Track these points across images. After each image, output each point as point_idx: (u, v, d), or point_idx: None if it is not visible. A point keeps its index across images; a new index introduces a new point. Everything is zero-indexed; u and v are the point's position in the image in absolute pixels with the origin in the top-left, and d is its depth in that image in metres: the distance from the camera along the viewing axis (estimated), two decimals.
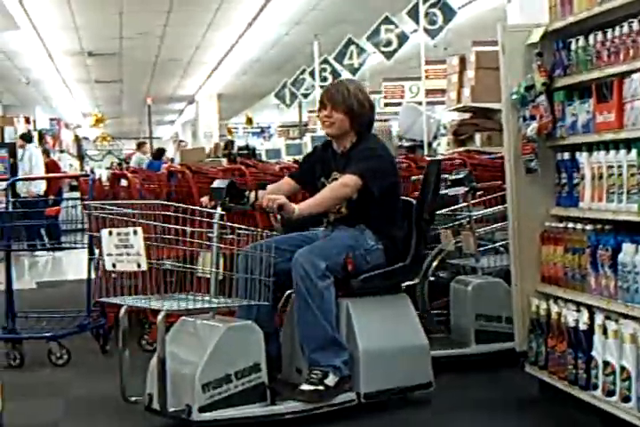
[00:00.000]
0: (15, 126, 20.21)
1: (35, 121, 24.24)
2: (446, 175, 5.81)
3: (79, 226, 6.27)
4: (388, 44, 12.41)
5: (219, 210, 4.47)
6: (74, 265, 10.57)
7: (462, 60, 9.79)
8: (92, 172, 18.37)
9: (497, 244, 5.91)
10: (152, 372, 4.40)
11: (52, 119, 28.06)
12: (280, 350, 4.85)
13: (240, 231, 4.52)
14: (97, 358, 6.18)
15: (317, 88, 16.14)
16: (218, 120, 26.83)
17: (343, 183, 4.70)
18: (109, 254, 4.37)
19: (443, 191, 5.57)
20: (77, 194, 9.21)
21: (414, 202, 5.03)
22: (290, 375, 4.80)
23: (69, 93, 25.59)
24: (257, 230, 4.56)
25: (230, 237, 4.47)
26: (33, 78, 21.27)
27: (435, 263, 5.97)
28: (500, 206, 5.78)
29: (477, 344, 5.55)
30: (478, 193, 5.95)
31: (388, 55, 12.63)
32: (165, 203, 4.72)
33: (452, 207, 5.97)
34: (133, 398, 4.49)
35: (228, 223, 4.47)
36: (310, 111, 22.43)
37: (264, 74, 21.02)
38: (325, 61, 15.74)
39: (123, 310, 4.49)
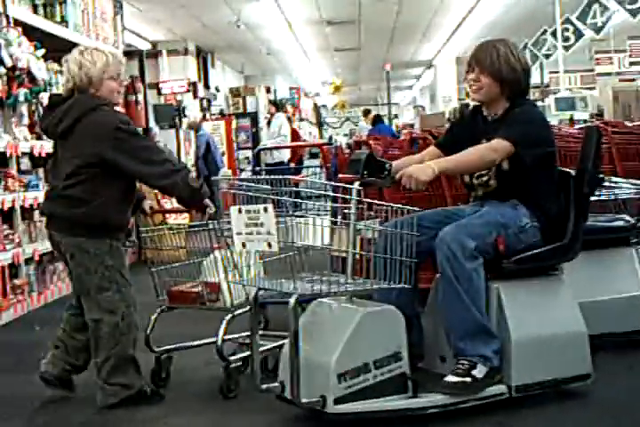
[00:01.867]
0: (257, 96, 20.82)
1: (275, 90, 24.85)
2: None
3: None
4: (634, 1, 11.92)
5: (356, 185, 4.12)
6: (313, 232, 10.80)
7: None
8: (332, 139, 18.62)
9: None
10: (284, 359, 4.10)
11: (291, 88, 28.67)
12: (422, 337, 4.40)
13: (379, 207, 4.08)
14: None
15: (560, 48, 15.70)
16: (456, 84, 26.60)
17: (491, 147, 4.19)
18: (239, 233, 4.06)
19: None
20: (317, 162, 9.26)
21: (572, 173, 4.50)
22: (433, 364, 4.40)
23: (308, 62, 25.98)
24: (398, 206, 4.03)
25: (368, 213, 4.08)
26: (273, 49, 21.67)
27: None
28: None
29: None
30: None
31: (634, 13, 12.13)
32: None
33: None
34: (265, 387, 4.12)
35: (366, 199, 4.08)
36: (552, 72, 21.89)
37: (504, 36, 20.52)
38: (567, 21, 15.25)
39: (253, 293, 4.18)
